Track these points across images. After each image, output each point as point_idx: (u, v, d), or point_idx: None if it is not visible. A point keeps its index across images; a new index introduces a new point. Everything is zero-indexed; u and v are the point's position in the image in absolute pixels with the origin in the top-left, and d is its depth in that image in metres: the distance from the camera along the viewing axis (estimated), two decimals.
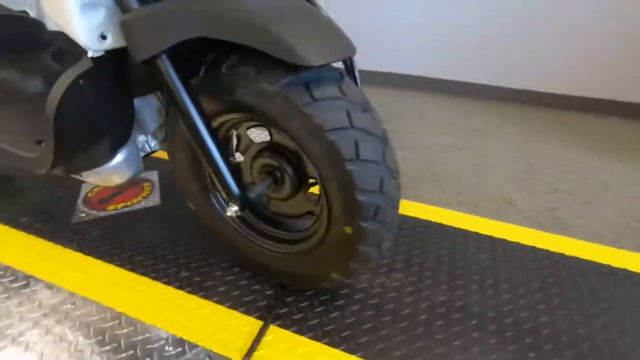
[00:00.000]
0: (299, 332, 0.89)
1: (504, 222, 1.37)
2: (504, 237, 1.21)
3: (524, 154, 1.91)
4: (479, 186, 1.66)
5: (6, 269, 1.04)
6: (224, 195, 0.75)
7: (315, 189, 0.81)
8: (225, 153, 0.75)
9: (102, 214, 1.25)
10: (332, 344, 0.86)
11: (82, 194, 1.34)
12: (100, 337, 0.87)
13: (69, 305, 0.94)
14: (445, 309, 0.96)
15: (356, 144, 0.65)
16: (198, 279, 1.02)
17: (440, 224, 1.26)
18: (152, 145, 1.02)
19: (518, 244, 1.18)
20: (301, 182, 0.85)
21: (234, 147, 0.93)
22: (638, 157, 1.89)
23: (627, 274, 1.08)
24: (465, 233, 1.22)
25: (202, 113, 0.71)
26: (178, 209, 1.27)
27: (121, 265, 1.05)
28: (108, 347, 0.84)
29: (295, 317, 0.92)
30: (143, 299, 0.96)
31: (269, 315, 0.92)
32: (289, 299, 0.97)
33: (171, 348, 0.85)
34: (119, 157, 0.90)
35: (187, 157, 0.90)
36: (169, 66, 0.67)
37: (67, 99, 0.69)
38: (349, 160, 0.66)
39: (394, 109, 2.42)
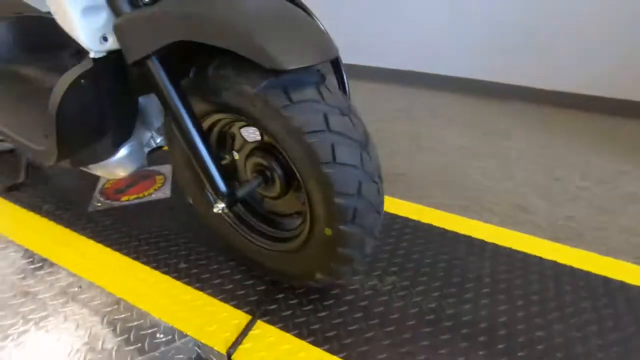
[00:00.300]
0: (285, 328, 0.90)
1: (513, 229, 1.32)
2: (509, 246, 1.17)
3: (546, 157, 1.83)
4: (493, 190, 1.60)
5: (25, 251, 1.13)
6: (212, 193, 0.78)
7: None
8: (214, 152, 0.78)
9: (115, 204, 1.33)
10: (316, 343, 0.87)
11: (99, 185, 1.42)
12: (99, 320, 0.93)
13: (76, 289, 1.01)
14: (435, 316, 0.94)
15: (332, 147, 0.65)
16: (195, 271, 1.06)
17: (443, 229, 1.23)
18: (158, 141, 1.07)
19: (523, 253, 1.14)
20: (291, 182, 0.87)
21: (231, 146, 0.95)
22: None
23: None
24: (468, 239, 1.19)
25: (191, 113, 0.74)
26: (185, 202, 1.32)
27: (127, 254, 1.11)
28: (105, 330, 0.90)
29: (283, 313, 0.94)
30: (143, 287, 1.01)
31: (257, 310, 0.94)
32: (279, 296, 0.99)
33: (162, 335, 0.89)
34: (122, 152, 0.95)
35: (185, 154, 0.94)
36: (159, 67, 0.70)
37: (68, 96, 0.74)
38: (326, 163, 0.66)
39: (413, 108, 2.38)
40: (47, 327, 0.91)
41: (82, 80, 0.75)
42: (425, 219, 1.27)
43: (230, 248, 1.03)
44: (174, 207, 1.31)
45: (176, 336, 0.89)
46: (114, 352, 0.85)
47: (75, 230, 1.20)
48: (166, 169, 1.52)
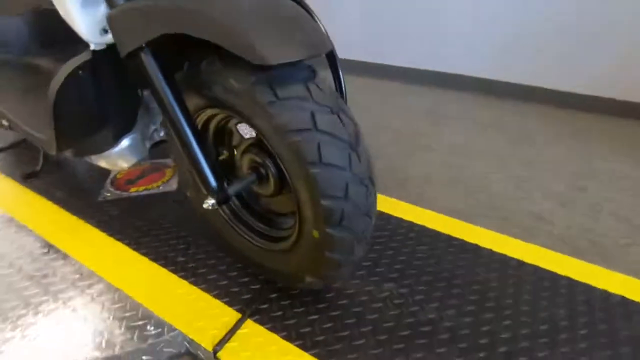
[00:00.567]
0: (274, 329, 0.89)
1: (527, 240, 1.25)
2: (520, 258, 1.10)
3: (573, 164, 1.72)
4: (511, 197, 1.52)
5: (35, 236, 1.17)
6: (202, 189, 0.77)
7: None
8: (209, 147, 0.77)
9: (124, 194, 1.36)
10: (304, 347, 0.85)
11: (111, 175, 1.46)
12: (95, 308, 0.94)
13: (77, 276, 1.03)
14: (432, 327, 0.90)
15: (319, 147, 0.62)
16: (192, 265, 1.06)
17: (448, 236, 1.18)
18: (162, 135, 1.08)
19: (536, 267, 1.07)
20: (284, 180, 0.84)
21: (229, 142, 0.94)
22: None
23: None
24: (475, 248, 1.13)
25: (183, 107, 0.73)
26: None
27: (128, 244, 1.13)
28: (99, 318, 0.92)
29: (273, 314, 0.93)
30: (140, 278, 1.02)
31: (248, 309, 0.93)
32: (272, 296, 0.97)
33: (152, 328, 0.90)
34: (124, 144, 0.96)
35: None
36: (151, 60, 0.70)
37: (66, 87, 0.75)
38: (311, 163, 0.63)
39: (433, 109, 2.30)
40: (45, 311, 0.93)
41: (80, 72, 0.76)
42: (431, 225, 1.22)
43: (225, 243, 1.02)
44: (178, 200, 1.33)
45: (165, 330, 0.89)
46: (103, 342, 0.87)
47: (82, 218, 1.23)
48: None
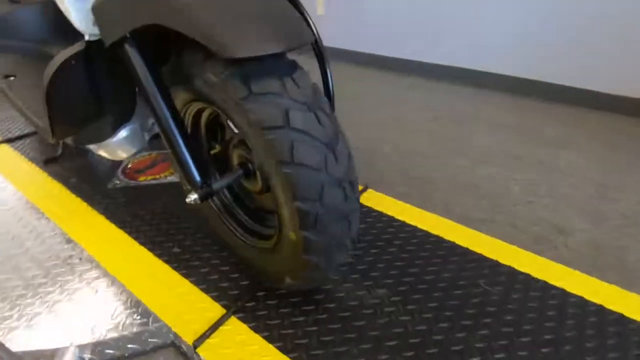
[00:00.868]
0: (256, 329, 0.87)
1: (543, 254, 1.16)
2: (529, 272, 1.02)
3: (601, 172, 1.58)
4: (531, 206, 1.42)
5: (46, 219, 1.22)
6: (186, 183, 0.76)
7: None
8: (191, 141, 0.76)
9: (132, 183, 1.39)
10: (284, 349, 0.83)
11: (123, 164, 1.50)
12: (88, 293, 0.97)
13: (77, 260, 1.07)
14: (421, 339, 0.85)
15: (292, 146, 0.59)
16: (186, 257, 1.07)
17: (452, 243, 1.11)
18: None
19: (545, 283, 0.98)
20: None
21: (221, 136, 0.93)
22: None
23: None
24: (479, 258, 1.06)
25: (167, 100, 0.72)
26: None
27: (129, 233, 1.15)
28: (91, 303, 0.94)
29: (258, 313, 0.91)
30: (135, 267, 1.04)
31: (233, 305, 0.92)
32: (259, 294, 0.95)
33: (138, 317, 0.91)
34: (122, 134, 0.97)
35: None
36: (134, 51, 0.69)
37: (58, 77, 0.76)
38: (284, 162, 0.60)
39: (461, 109, 2.19)
40: (43, 293, 0.97)
41: (73, 62, 0.77)
42: (435, 230, 1.15)
43: (214, 235, 1.02)
44: (182, 191, 1.34)
45: (151, 320, 0.90)
46: (91, 327, 0.89)
47: (90, 204, 1.28)
48: None
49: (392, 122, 2.08)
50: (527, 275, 1.00)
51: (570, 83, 2.18)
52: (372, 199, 1.29)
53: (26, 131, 1.72)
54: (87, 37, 0.79)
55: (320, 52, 0.75)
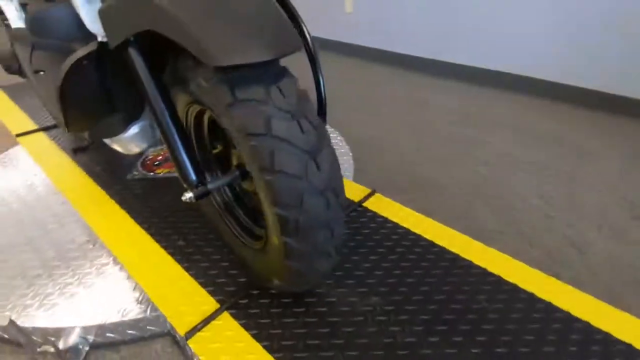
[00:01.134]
0: (246, 326, 0.89)
1: (552, 272, 1.10)
2: (533, 291, 0.97)
3: (628, 184, 1.47)
4: (547, 219, 1.35)
5: (68, 205, 1.31)
6: (182, 182, 0.79)
7: None
8: (188, 142, 0.78)
9: (150, 175, 1.45)
10: (270, 348, 0.85)
11: (143, 156, 1.57)
12: (97, 277, 1.03)
13: (90, 246, 1.14)
14: (409, 351, 0.83)
15: (272, 153, 0.60)
16: (190, 250, 1.11)
17: (456, 255, 1.08)
18: None
19: (549, 304, 0.93)
20: None
21: (223, 136, 0.95)
22: None
23: None
24: (482, 273, 1.02)
25: (166, 101, 0.75)
26: None
27: (140, 223, 1.21)
28: (97, 288, 1.00)
29: (250, 310, 0.93)
30: (141, 257, 1.09)
31: (227, 301, 0.94)
32: (254, 292, 0.97)
33: (139, 305, 0.95)
34: (133, 130, 1.02)
35: None
36: (137, 54, 0.72)
37: (71, 75, 0.81)
38: (266, 169, 0.61)
39: (480, 112, 2.11)
40: (56, 275, 1.04)
41: (85, 61, 0.82)
42: (440, 240, 1.12)
43: (215, 231, 1.05)
44: None
45: (150, 309, 0.95)
46: (94, 312, 0.94)
47: (109, 193, 1.35)
48: None
49: (414, 126, 2.04)
50: (531, 295, 0.96)
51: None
52: (379, 204, 1.28)
53: None
54: (99, 38, 0.83)
55: (312, 58, 0.75)
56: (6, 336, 0.93)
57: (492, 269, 1.03)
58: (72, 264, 1.08)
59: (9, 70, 1.50)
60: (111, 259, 1.09)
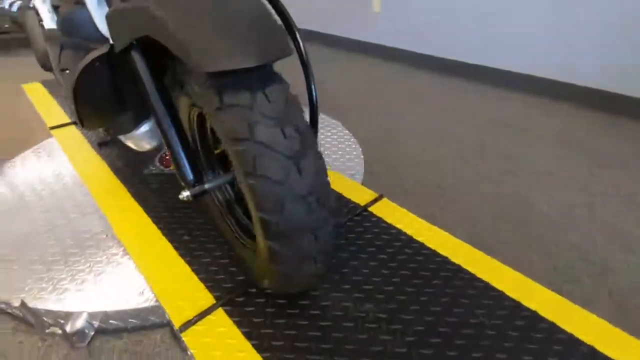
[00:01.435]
0: (239, 324, 0.91)
1: (558, 290, 1.05)
2: (536, 310, 0.92)
3: None
4: (565, 231, 1.28)
5: (90, 196, 1.38)
6: (180, 181, 0.82)
7: None
8: (186, 142, 0.81)
9: (166, 170, 1.51)
10: (259, 348, 0.86)
11: (162, 151, 1.63)
12: (107, 267, 1.09)
13: (104, 236, 1.20)
14: None
15: (254, 158, 0.61)
16: (194, 245, 1.14)
17: (459, 266, 1.04)
18: None
19: (552, 324, 0.89)
20: None
21: None
22: None
23: None
24: (486, 286, 0.98)
25: (167, 103, 0.78)
26: None
27: (152, 217, 1.26)
28: (107, 276, 1.06)
29: (245, 308, 0.95)
30: (148, 249, 1.13)
31: (223, 297, 0.97)
32: (251, 290, 0.99)
33: (142, 295, 1.00)
34: (144, 128, 1.07)
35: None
36: (139, 58, 0.76)
37: (83, 76, 0.86)
38: (249, 173, 0.62)
39: (510, 117, 2.02)
40: (71, 262, 1.11)
41: (97, 63, 0.86)
42: (444, 250, 1.09)
43: (217, 228, 1.07)
44: None
45: (152, 300, 0.99)
46: (99, 298, 1.00)
47: (126, 186, 1.42)
48: None
49: (433, 130, 1.99)
50: (534, 313, 0.91)
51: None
52: (385, 209, 1.26)
53: None
54: (111, 41, 0.88)
55: (304, 63, 0.75)
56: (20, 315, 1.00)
57: (495, 283, 0.99)
58: (86, 252, 1.14)
59: (45, 67, 1.61)
60: (121, 249, 1.15)
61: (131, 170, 1.52)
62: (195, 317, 0.92)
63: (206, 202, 1.06)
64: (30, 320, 0.95)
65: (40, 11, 1.36)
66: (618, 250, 1.19)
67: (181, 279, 1.03)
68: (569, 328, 0.87)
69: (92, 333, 0.98)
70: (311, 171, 0.64)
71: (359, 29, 3.23)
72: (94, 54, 0.86)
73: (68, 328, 0.95)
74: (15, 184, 1.51)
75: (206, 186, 0.83)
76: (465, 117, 2.08)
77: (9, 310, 1.03)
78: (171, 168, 1.52)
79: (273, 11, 0.66)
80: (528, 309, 0.92)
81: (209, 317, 0.93)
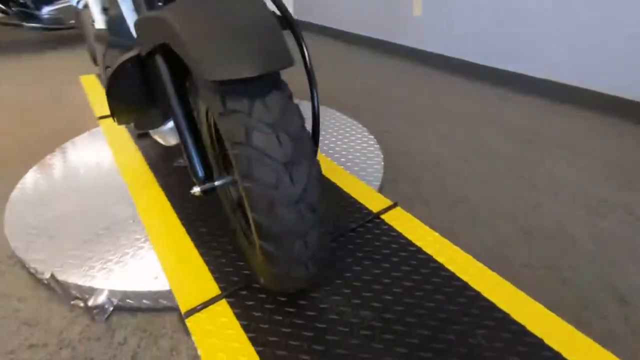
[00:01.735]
0: (239, 316, 0.96)
1: (576, 323, 0.99)
2: (542, 337, 0.88)
3: None
4: (587, 254, 1.20)
5: (124, 184, 1.50)
6: (192, 177, 0.88)
7: None
8: (199, 141, 0.86)
9: None
10: (254, 341, 0.90)
11: None
12: (129, 250, 1.18)
13: (131, 221, 1.30)
14: None
15: (249, 162, 0.64)
16: (208, 237, 1.21)
17: (465, 283, 1.02)
18: None
19: (557, 354, 0.85)
20: None
21: None
22: None
23: None
24: (490, 307, 0.96)
25: (184, 106, 0.84)
26: None
27: (174, 207, 1.35)
28: (128, 259, 1.15)
29: (247, 302, 0.99)
30: (167, 237, 1.21)
31: (228, 288, 1.02)
32: (256, 285, 1.04)
33: (156, 280, 1.07)
34: (170, 124, 1.14)
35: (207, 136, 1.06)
36: (162, 62, 0.82)
37: (116, 76, 0.95)
38: (244, 176, 0.66)
39: (538, 127, 1.91)
40: (101, 242, 1.21)
41: (129, 64, 0.94)
42: (451, 265, 1.07)
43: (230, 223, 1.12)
44: None
45: (165, 285, 1.06)
46: (125, 277, 1.09)
47: (156, 177, 1.52)
48: None
49: (463, 139, 1.94)
50: (539, 340, 0.88)
51: None
52: (397, 218, 1.25)
53: None
54: None
55: (309, 73, 0.77)
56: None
57: (501, 304, 0.96)
58: (115, 235, 1.24)
59: (95, 63, 1.77)
60: (144, 236, 1.24)
61: (163, 163, 1.62)
62: (200, 305, 0.98)
63: (220, 197, 1.12)
64: (58, 291, 1.06)
65: (92, 12, 1.49)
66: None
67: (193, 268, 1.10)
68: None
69: (111, 309, 1.07)
70: (304, 179, 0.66)
71: (397, 33, 3.20)
72: (126, 56, 0.95)
73: (90, 302, 1.04)
74: (68, 167, 1.67)
75: (216, 183, 0.88)
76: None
77: (45, 281, 1.15)
78: None
79: (277, 21, 0.69)
80: (533, 335, 0.88)
81: (212, 306, 0.98)
